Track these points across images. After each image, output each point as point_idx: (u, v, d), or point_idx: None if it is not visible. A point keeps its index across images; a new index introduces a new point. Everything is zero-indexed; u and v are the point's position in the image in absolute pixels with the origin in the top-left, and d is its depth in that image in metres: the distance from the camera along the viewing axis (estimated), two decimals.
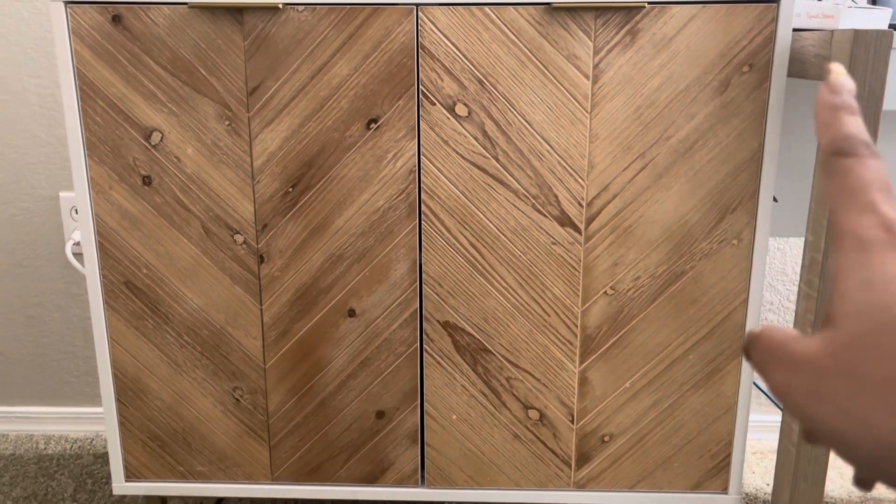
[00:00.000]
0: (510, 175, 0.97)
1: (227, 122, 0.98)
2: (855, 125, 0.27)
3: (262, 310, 1.05)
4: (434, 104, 0.95)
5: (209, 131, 0.98)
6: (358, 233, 1.02)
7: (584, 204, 0.98)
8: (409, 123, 0.97)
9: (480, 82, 0.94)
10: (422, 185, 0.98)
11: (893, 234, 0.23)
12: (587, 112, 0.95)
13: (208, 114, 0.98)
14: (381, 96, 0.96)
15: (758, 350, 0.26)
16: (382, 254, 1.02)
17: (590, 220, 0.98)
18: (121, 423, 1.10)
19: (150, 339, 1.07)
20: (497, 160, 0.97)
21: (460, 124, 0.96)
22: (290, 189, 1.00)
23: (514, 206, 0.98)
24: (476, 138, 0.96)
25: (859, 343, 0.21)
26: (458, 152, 0.97)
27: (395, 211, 1.01)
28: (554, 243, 0.99)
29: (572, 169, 0.96)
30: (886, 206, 0.24)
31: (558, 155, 0.96)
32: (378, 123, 0.97)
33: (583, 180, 0.97)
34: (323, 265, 1.03)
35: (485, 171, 0.97)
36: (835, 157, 0.27)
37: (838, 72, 0.29)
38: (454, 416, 1.07)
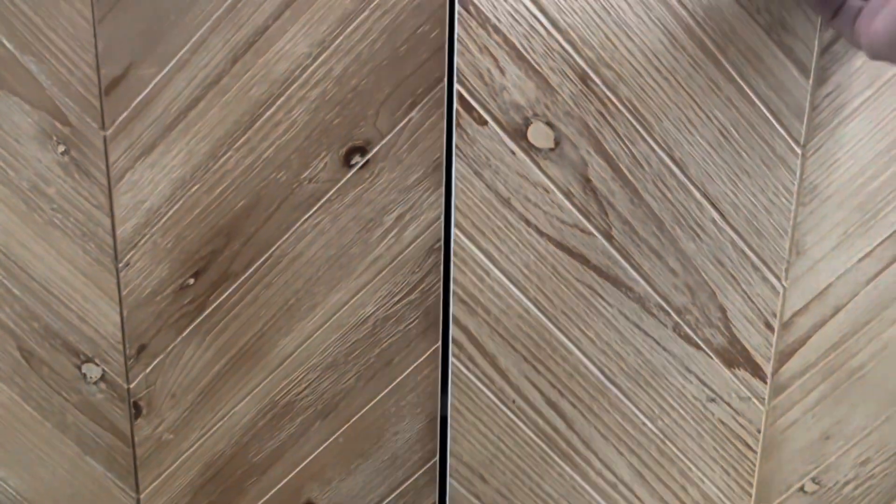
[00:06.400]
0: (632, 267, 0.48)
1: (60, 148, 0.48)
2: None
3: (139, 502, 0.55)
4: (484, 122, 0.46)
5: (25, 164, 0.49)
6: (323, 363, 0.53)
7: (775, 325, 0.49)
8: (432, 156, 0.49)
9: (585, 79, 0.45)
10: (452, 276, 0.49)
11: None
12: (798, 146, 0.46)
13: (22, 130, 0.48)
14: (372, 102, 0.48)
15: None
16: (370, 403, 0.53)
17: (784, 358, 0.50)
18: None
19: None
20: (609, 239, 0.48)
21: (537, 164, 0.47)
22: (191, 281, 0.51)
23: (638, 326, 0.49)
24: (568, 194, 0.47)
25: None
26: (527, 219, 0.47)
27: (399, 324, 0.52)
28: (711, 399, 0.50)
29: (760, 257, 0.48)
30: None
31: (732, 227, 0.47)
32: (367, 156, 0.49)
33: (779, 278, 0.48)
34: (255, 422, 0.54)
35: (582, 258, 0.48)
36: None
37: None
38: None
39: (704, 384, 0.50)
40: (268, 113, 0.48)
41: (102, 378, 0.53)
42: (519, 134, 0.47)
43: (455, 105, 0.47)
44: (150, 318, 0.52)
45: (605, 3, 0.46)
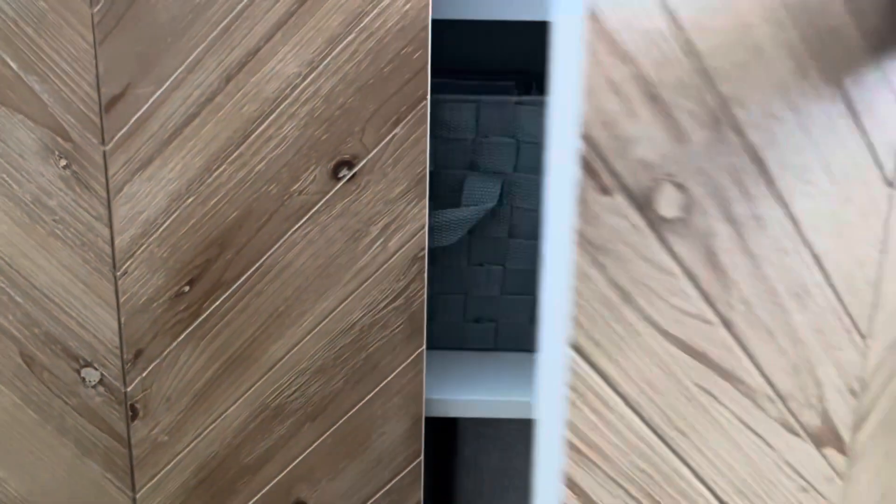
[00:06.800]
0: (747, 356, 0.39)
1: (62, 162, 0.51)
2: None
3: (135, 501, 0.58)
4: (608, 191, 0.31)
5: (28, 178, 0.51)
6: (312, 368, 0.55)
7: (857, 390, 0.45)
8: (416, 170, 0.51)
9: (718, 123, 0.33)
10: (568, 420, 0.30)
11: None
12: (889, 187, 0.39)
13: (26, 146, 0.51)
14: (358, 119, 0.50)
15: None
16: (357, 406, 0.56)
17: (860, 423, 0.46)
18: None
19: None
20: (729, 326, 0.37)
21: (663, 241, 0.34)
22: (186, 289, 0.53)
23: (748, 426, 0.41)
24: (693, 276, 0.35)
25: None
26: (650, 318, 0.35)
27: (384, 330, 0.54)
28: (803, 489, 0.45)
29: (850, 316, 0.42)
30: None
31: (833, 287, 0.41)
32: (354, 169, 0.51)
33: (863, 337, 0.42)
34: (247, 425, 0.56)
35: (704, 358, 0.38)
36: None
37: None
38: None
39: (799, 474, 0.45)
40: (259, 129, 0.51)
41: (101, 382, 0.55)
42: (645, 202, 0.33)
43: (579, 172, 0.31)
44: (146, 324, 0.54)
45: (737, 18, 0.33)
